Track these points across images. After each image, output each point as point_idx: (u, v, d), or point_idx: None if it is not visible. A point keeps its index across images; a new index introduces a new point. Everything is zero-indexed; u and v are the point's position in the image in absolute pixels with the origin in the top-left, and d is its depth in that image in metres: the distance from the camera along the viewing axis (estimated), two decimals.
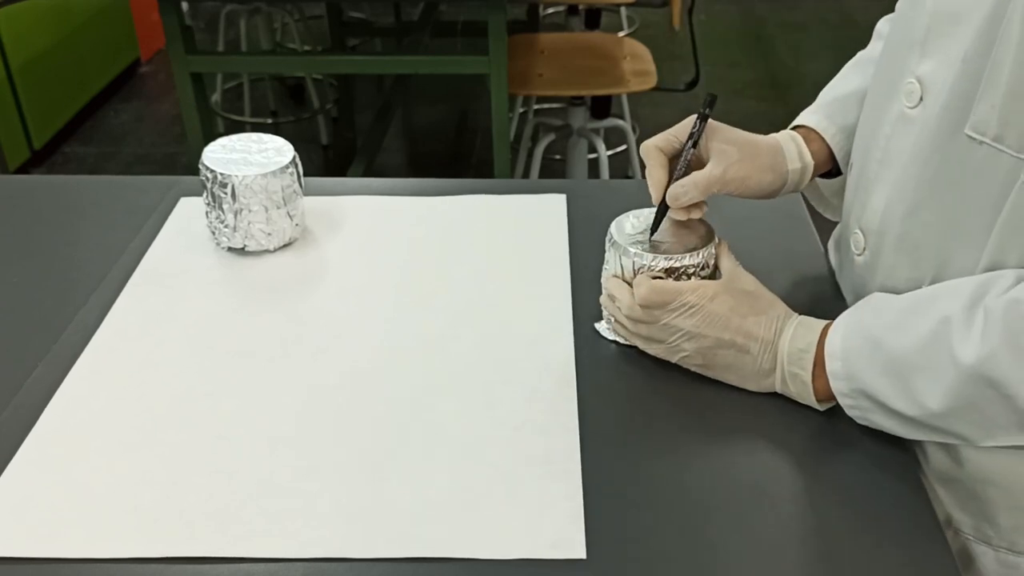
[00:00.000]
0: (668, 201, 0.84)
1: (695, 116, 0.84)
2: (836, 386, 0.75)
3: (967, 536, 0.79)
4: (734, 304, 0.80)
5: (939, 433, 0.72)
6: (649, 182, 0.85)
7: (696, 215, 0.85)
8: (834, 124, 0.90)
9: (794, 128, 0.92)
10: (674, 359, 0.83)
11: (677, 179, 0.83)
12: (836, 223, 0.98)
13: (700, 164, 0.85)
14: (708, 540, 0.70)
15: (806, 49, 4.06)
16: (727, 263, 0.85)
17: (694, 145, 0.84)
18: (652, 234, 0.86)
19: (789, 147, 0.88)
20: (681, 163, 0.84)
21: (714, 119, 0.85)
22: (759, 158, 0.85)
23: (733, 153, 0.84)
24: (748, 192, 0.85)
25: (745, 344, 0.79)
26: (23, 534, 0.70)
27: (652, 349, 0.84)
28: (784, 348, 0.78)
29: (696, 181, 0.83)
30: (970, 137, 0.68)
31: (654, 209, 0.89)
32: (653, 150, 0.85)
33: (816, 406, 0.79)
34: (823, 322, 0.79)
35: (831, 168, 0.92)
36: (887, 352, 0.72)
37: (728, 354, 0.80)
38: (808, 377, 0.77)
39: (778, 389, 0.80)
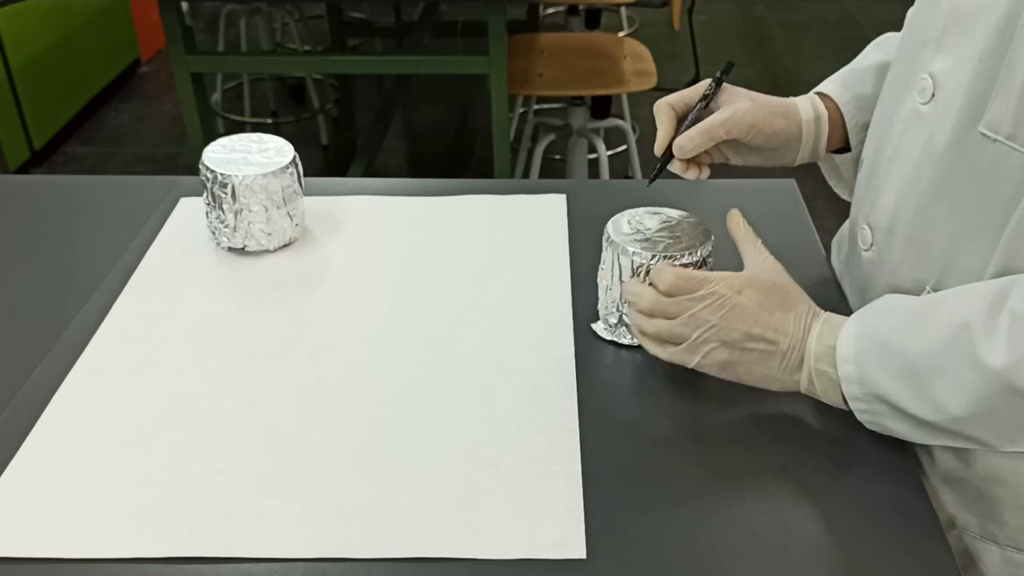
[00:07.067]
0: (675, 150, 0.84)
1: (710, 80, 0.86)
2: (849, 390, 0.74)
3: (973, 535, 0.79)
4: (762, 299, 0.77)
5: (957, 438, 0.70)
6: (657, 136, 0.86)
7: (692, 175, 0.87)
8: (848, 92, 0.90)
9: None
10: (693, 361, 0.78)
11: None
12: (837, 224, 0.98)
13: None
14: (708, 540, 0.70)
15: (806, 49, 4.06)
16: (751, 250, 0.82)
17: (706, 106, 0.85)
18: (650, 183, 0.89)
19: (802, 102, 0.90)
20: (689, 120, 0.86)
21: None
22: (770, 104, 0.87)
23: (743, 102, 0.85)
24: (761, 138, 0.86)
25: (774, 339, 0.76)
26: (23, 534, 0.70)
27: (668, 352, 0.80)
28: (812, 346, 0.76)
29: (700, 128, 0.84)
30: (983, 135, 0.68)
31: (650, 209, 0.89)
32: (665, 107, 0.86)
33: (842, 405, 0.76)
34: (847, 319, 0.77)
35: (844, 143, 0.92)
36: (903, 356, 0.70)
37: (755, 350, 0.77)
38: (836, 375, 0.75)
39: (803, 389, 0.77)
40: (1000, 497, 0.76)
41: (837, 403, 0.77)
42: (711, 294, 0.77)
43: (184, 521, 0.71)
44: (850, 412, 0.76)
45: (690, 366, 0.79)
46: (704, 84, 0.87)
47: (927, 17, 0.76)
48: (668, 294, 0.79)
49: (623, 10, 4.18)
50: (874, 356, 0.72)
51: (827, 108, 0.90)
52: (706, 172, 0.87)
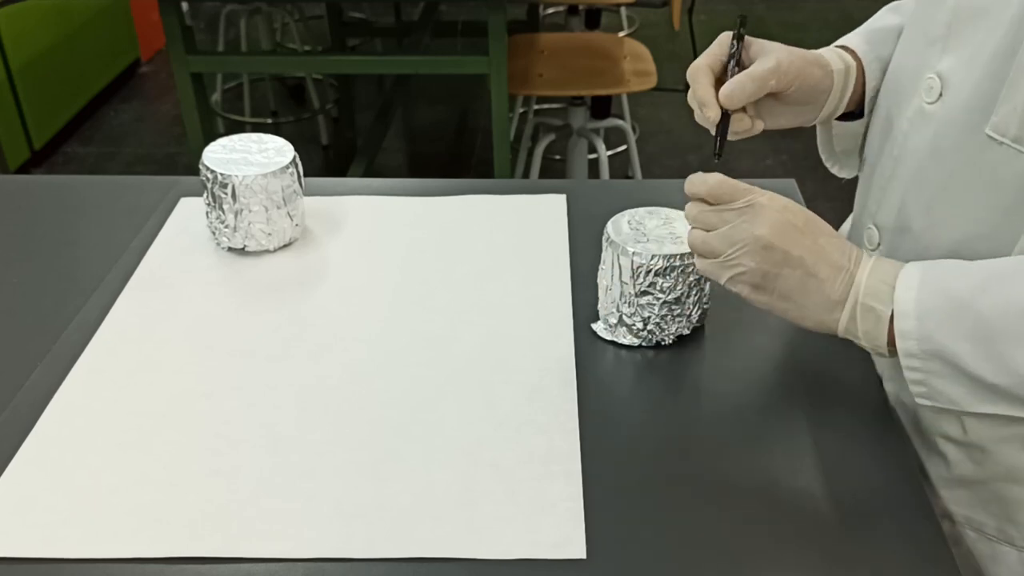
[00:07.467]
0: (723, 100, 0.77)
1: (729, 35, 0.81)
2: (905, 346, 0.69)
3: (989, 537, 0.79)
4: (807, 221, 0.73)
5: (1017, 404, 0.67)
6: (700, 102, 0.79)
7: (758, 128, 0.80)
8: (873, 51, 0.85)
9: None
10: (724, 277, 0.74)
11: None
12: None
13: None
14: (708, 540, 0.70)
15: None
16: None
17: (737, 64, 0.79)
18: (718, 157, 0.79)
19: (829, 52, 0.85)
20: (728, 79, 0.79)
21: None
22: (804, 55, 0.81)
23: (779, 48, 0.80)
24: (802, 91, 0.80)
25: (814, 266, 0.71)
26: (23, 534, 0.70)
27: (701, 264, 0.76)
28: (863, 279, 0.71)
29: (751, 75, 0.77)
30: (990, 137, 0.68)
31: (650, 209, 0.89)
32: (704, 69, 0.79)
33: (882, 351, 0.72)
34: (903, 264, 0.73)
35: (855, 106, 0.87)
36: (977, 315, 0.66)
37: (793, 276, 0.71)
38: (887, 314, 0.69)
39: (841, 328, 0.72)
40: (1017, 497, 0.75)
41: (877, 347, 0.72)
42: (751, 206, 0.72)
43: (184, 521, 0.71)
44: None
45: (721, 283, 0.75)
46: (725, 38, 0.81)
47: (931, 15, 0.75)
48: (710, 200, 0.75)
49: (623, 10, 4.18)
50: (941, 314, 0.67)
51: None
52: (761, 124, 0.81)
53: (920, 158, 0.75)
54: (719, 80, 0.80)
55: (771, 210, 0.72)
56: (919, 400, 0.71)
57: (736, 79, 0.78)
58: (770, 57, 0.79)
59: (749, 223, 0.72)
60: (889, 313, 0.70)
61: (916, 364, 0.69)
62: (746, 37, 0.81)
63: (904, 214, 0.77)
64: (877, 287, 0.70)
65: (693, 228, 0.76)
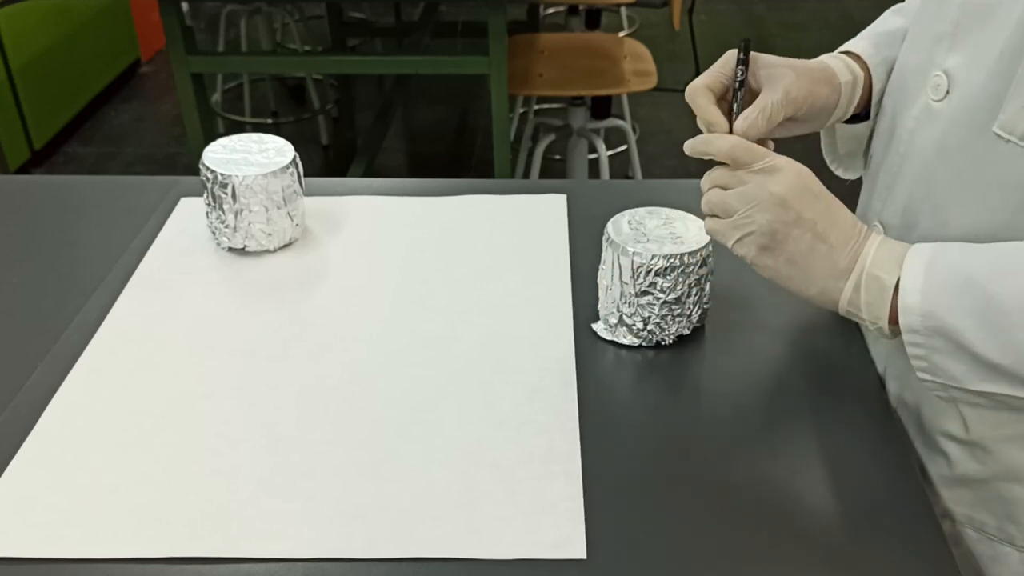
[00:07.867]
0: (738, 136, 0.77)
1: (733, 54, 0.80)
2: (907, 321, 0.69)
3: (990, 536, 0.79)
4: (822, 189, 0.73)
5: (1017, 384, 0.66)
6: (708, 126, 0.78)
7: (770, 149, 0.79)
8: (879, 54, 0.85)
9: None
10: (733, 239, 0.74)
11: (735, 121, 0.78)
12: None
13: (753, 99, 0.79)
14: (708, 540, 0.70)
15: (806, 49, 4.03)
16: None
17: (741, 86, 0.79)
18: None
19: (835, 63, 0.84)
20: (737, 108, 0.79)
21: None
22: (812, 72, 0.81)
23: (787, 72, 0.79)
24: (812, 111, 0.80)
25: (825, 231, 0.71)
26: (23, 534, 0.70)
27: (710, 224, 0.76)
28: (870, 250, 0.71)
29: (761, 111, 0.77)
30: (997, 135, 0.68)
31: (650, 209, 0.88)
32: (702, 90, 0.79)
33: (883, 325, 0.71)
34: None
35: (861, 109, 0.87)
36: (986, 294, 0.65)
37: (803, 238, 0.71)
38: (892, 283, 0.69)
39: (844, 299, 0.72)
40: (1018, 497, 0.75)
41: (878, 319, 0.71)
42: (770, 167, 0.73)
43: (184, 521, 0.71)
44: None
45: (728, 245, 0.75)
46: (730, 57, 0.80)
47: (938, 12, 0.75)
48: (728, 163, 0.74)
49: (623, 10, 4.18)
50: (948, 291, 0.67)
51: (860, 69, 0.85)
52: (772, 146, 0.80)
53: (927, 156, 0.75)
54: (720, 98, 0.80)
55: (789, 172, 0.73)
56: (920, 375, 0.71)
57: (746, 114, 0.77)
58: (778, 88, 0.78)
59: (766, 181, 0.72)
60: (894, 282, 0.70)
61: (919, 340, 0.69)
62: (752, 54, 0.80)
63: (910, 211, 0.77)
64: (885, 259, 0.71)
65: (711, 188, 0.76)
